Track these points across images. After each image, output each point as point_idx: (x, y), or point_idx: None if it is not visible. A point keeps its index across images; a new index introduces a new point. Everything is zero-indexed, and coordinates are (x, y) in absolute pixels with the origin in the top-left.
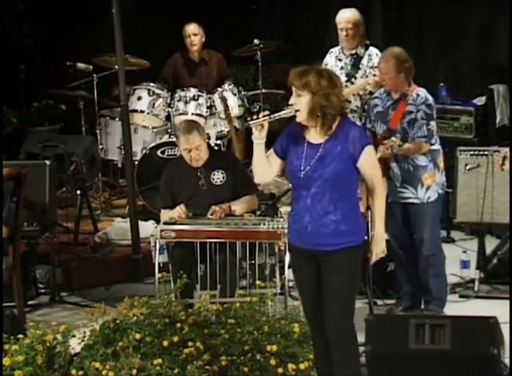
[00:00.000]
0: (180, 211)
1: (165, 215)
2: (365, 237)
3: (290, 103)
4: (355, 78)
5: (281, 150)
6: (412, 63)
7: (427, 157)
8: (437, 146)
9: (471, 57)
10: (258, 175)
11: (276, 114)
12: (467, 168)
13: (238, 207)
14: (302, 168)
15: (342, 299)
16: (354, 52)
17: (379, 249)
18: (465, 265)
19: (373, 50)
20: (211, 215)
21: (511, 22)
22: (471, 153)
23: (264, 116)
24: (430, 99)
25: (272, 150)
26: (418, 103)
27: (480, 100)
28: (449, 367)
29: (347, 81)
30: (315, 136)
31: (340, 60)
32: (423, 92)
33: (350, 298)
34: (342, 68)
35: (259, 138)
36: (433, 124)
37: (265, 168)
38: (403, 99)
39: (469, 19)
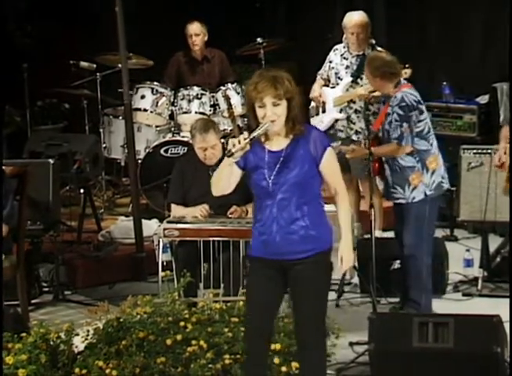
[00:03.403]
0: (203, 210)
1: (180, 210)
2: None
3: (267, 115)
4: (361, 79)
5: (242, 161)
6: (391, 67)
7: (415, 157)
8: (425, 147)
9: (474, 56)
10: (220, 189)
11: (255, 133)
12: (470, 166)
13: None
14: (267, 177)
15: (316, 311)
16: (361, 52)
17: (349, 257)
18: (468, 263)
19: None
20: (231, 213)
21: (511, 22)
22: (474, 151)
23: (245, 139)
24: (407, 101)
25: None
26: (393, 105)
27: (483, 99)
28: (453, 366)
29: (352, 82)
30: (275, 143)
31: (345, 59)
32: (401, 93)
33: (323, 309)
34: (348, 67)
35: (236, 157)
36: (406, 126)
37: (229, 183)
38: (387, 100)
39: (472, 17)
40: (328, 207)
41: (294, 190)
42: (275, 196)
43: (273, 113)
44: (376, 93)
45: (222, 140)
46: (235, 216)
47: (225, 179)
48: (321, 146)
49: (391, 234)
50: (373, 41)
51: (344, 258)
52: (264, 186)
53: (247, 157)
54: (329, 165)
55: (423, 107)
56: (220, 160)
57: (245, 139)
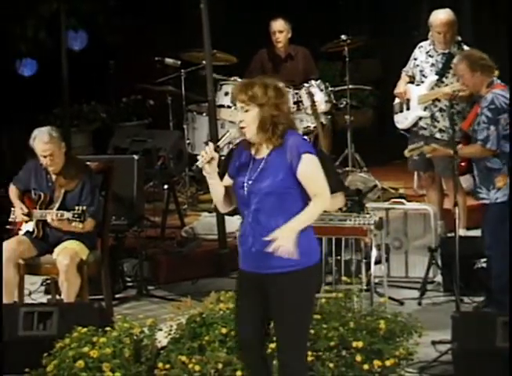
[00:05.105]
0: None
1: None
2: (318, 260)
3: (238, 119)
4: (446, 78)
5: (232, 169)
6: (488, 61)
7: (501, 159)
8: None
9: None
10: (223, 207)
11: (222, 141)
12: None
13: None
14: (244, 184)
15: (294, 333)
16: (447, 51)
17: (279, 241)
18: None
19: (466, 49)
20: None
21: (511, 22)
22: None
23: (215, 149)
24: (497, 103)
25: (226, 177)
26: (483, 106)
27: None
28: None
29: (437, 80)
30: (261, 151)
31: (431, 57)
32: (492, 95)
33: (300, 326)
34: (433, 65)
35: (212, 171)
36: (493, 128)
37: (227, 198)
38: (478, 101)
39: None
40: (413, 205)
41: (268, 200)
42: (251, 205)
43: (242, 118)
44: (462, 93)
45: (305, 137)
46: None
47: (221, 197)
48: (296, 153)
49: (475, 233)
50: (459, 38)
51: (281, 235)
52: (241, 195)
53: (235, 164)
54: (306, 172)
55: None
56: None
57: (215, 149)
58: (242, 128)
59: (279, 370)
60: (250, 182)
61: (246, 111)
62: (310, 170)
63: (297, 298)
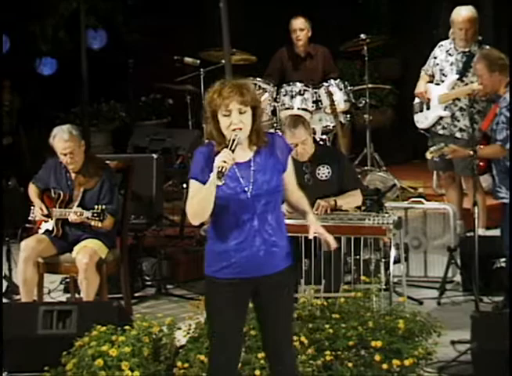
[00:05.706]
0: None
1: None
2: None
3: (233, 123)
4: (467, 76)
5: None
6: (506, 60)
7: None
8: None
9: None
10: (202, 216)
11: (233, 147)
12: None
13: (343, 201)
14: (245, 189)
15: (290, 316)
16: (467, 49)
17: (324, 232)
18: None
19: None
20: (316, 209)
21: (511, 22)
22: None
23: (229, 155)
24: None
25: (197, 185)
26: (502, 106)
27: None
28: None
29: (458, 79)
30: (239, 155)
31: (450, 55)
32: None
33: (293, 312)
34: (452, 64)
35: (224, 178)
36: None
37: (210, 207)
38: (497, 100)
39: None
40: (433, 205)
41: (275, 199)
42: (255, 208)
43: (239, 121)
44: (481, 92)
45: (324, 136)
46: (321, 212)
47: (208, 204)
48: (287, 153)
49: (494, 232)
50: (480, 38)
51: (320, 228)
52: (242, 199)
53: (209, 173)
54: (292, 170)
55: None
56: (312, 156)
57: (229, 155)
58: (236, 129)
59: (276, 370)
60: (252, 186)
61: (244, 113)
62: (293, 169)
63: (290, 295)
